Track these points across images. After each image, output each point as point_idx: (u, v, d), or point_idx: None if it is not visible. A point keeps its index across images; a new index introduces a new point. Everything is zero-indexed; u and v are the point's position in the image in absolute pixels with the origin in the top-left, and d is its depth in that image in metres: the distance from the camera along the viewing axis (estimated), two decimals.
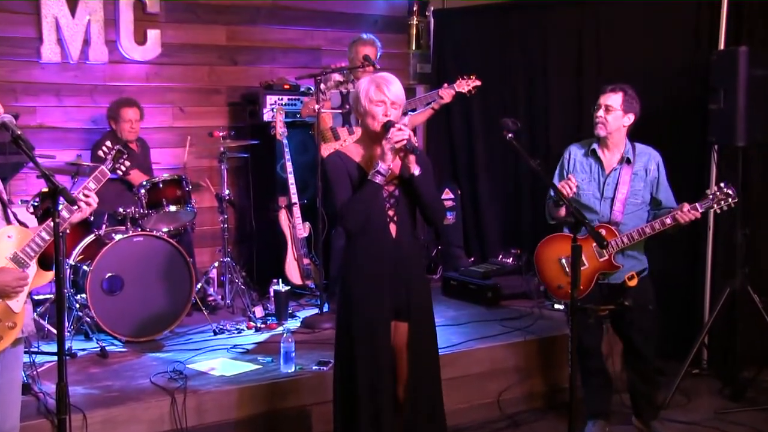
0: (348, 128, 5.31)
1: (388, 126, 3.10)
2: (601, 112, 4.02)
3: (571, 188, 3.91)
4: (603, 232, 3.93)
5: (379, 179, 3.09)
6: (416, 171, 3.14)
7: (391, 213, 3.19)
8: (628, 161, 4.06)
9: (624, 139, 4.09)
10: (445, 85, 5.35)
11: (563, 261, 4.07)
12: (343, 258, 3.31)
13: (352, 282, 3.22)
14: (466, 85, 5.33)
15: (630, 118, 4.04)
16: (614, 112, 4.00)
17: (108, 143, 3.41)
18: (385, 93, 3.12)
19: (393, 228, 3.19)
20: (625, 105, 4.01)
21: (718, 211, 3.99)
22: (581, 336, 4.08)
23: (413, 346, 3.22)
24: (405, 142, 3.04)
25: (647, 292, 4.12)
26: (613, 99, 4.01)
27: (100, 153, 3.28)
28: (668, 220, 3.92)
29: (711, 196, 3.93)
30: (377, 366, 3.17)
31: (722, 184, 3.94)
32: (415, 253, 3.28)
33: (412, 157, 3.10)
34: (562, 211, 4.04)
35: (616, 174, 4.06)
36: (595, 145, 4.11)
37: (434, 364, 3.33)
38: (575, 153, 4.17)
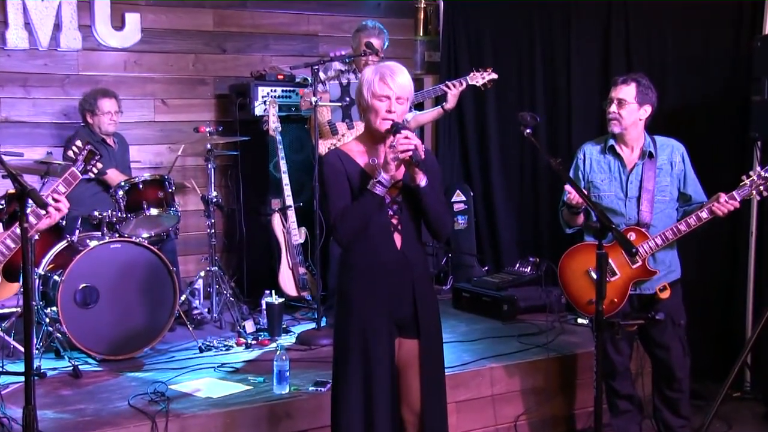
0: (347, 123, 5.30)
1: (393, 129, 3.09)
2: (613, 108, 3.99)
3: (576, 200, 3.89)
4: (632, 236, 3.92)
5: (380, 190, 3.07)
6: (422, 182, 3.11)
7: (394, 221, 3.18)
8: (651, 155, 4.05)
9: (642, 133, 4.08)
10: (451, 83, 5.28)
11: (592, 272, 4.01)
12: (340, 268, 3.29)
13: (351, 296, 3.20)
14: (481, 77, 5.31)
15: (647, 110, 4.02)
16: (628, 105, 3.98)
17: (78, 142, 3.40)
18: (389, 86, 3.09)
19: (397, 238, 3.18)
20: (640, 96, 3.99)
21: (758, 198, 3.96)
22: (608, 354, 4.07)
23: (426, 365, 3.22)
24: (410, 153, 3.02)
25: (679, 303, 4.10)
26: (626, 91, 3.98)
27: (70, 153, 3.28)
28: (704, 214, 3.89)
29: (749, 183, 3.87)
30: (380, 388, 3.16)
31: (759, 168, 3.90)
32: (421, 263, 3.28)
33: (417, 168, 3.08)
34: (580, 219, 4.03)
35: (638, 170, 4.05)
36: (611, 141, 4.09)
37: (443, 384, 3.33)
38: (590, 152, 4.16)
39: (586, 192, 4.05)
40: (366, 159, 3.19)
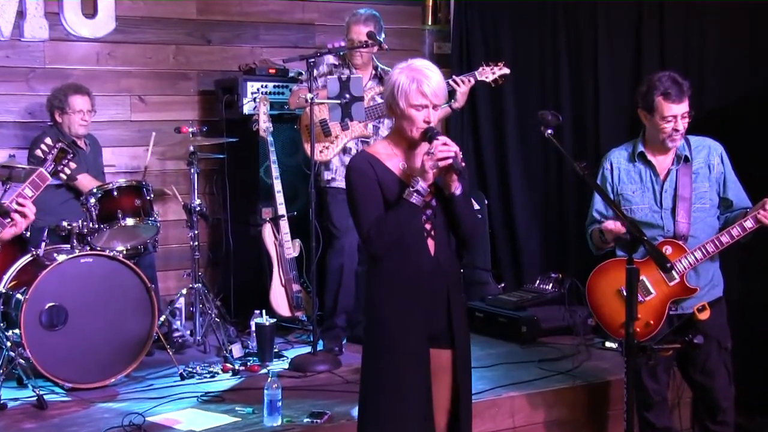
0: (342, 124, 5.31)
1: (429, 135, 3.21)
2: (679, 125, 3.98)
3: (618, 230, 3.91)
4: (668, 249, 3.92)
5: (417, 199, 3.19)
6: (457, 191, 3.27)
7: (428, 227, 3.30)
8: (686, 159, 4.05)
9: None
10: (460, 79, 5.29)
11: (625, 292, 4.01)
12: (370, 279, 3.37)
13: (384, 310, 3.28)
14: (491, 72, 5.31)
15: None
16: (687, 118, 4.00)
17: (48, 140, 3.41)
18: (427, 95, 3.20)
19: (431, 244, 3.30)
20: (690, 102, 4.01)
21: None
22: (643, 382, 4.06)
23: (461, 378, 3.34)
24: (450, 161, 3.16)
25: (724, 323, 4.09)
26: (685, 104, 3.99)
27: (38, 152, 3.29)
28: (749, 223, 3.89)
29: None
30: (420, 415, 3.24)
31: None
32: (454, 270, 3.40)
33: (454, 176, 3.22)
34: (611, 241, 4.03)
35: (673, 177, 4.05)
36: (641, 147, 4.09)
37: (470, 400, 3.45)
38: (618, 161, 4.16)
39: (617, 203, 4.06)
40: (397, 163, 3.30)
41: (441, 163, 3.16)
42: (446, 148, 3.16)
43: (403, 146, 3.31)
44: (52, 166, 3.24)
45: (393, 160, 3.30)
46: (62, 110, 5.43)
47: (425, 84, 3.19)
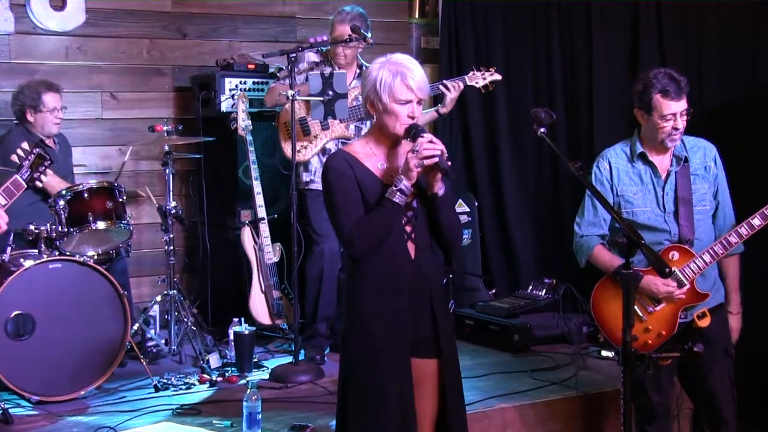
0: (321, 122, 5.31)
1: (413, 132, 3.22)
2: (679, 123, 3.98)
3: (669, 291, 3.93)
4: (675, 255, 3.94)
5: (400, 199, 3.20)
6: (440, 191, 3.28)
7: (408, 229, 3.30)
8: (686, 160, 4.08)
9: None
10: (451, 84, 5.29)
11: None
12: (350, 284, 3.36)
13: (365, 314, 3.27)
14: (482, 77, 5.33)
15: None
16: (686, 115, 4.01)
17: (25, 144, 3.36)
18: (413, 89, 3.22)
19: (411, 247, 3.30)
20: (689, 99, 4.02)
21: None
22: (646, 393, 4.06)
23: (451, 390, 3.34)
24: (437, 159, 3.17)
25: (727, 331, 4.11)
26: (684, 101, 3.99)
27: (14, 158, 3.24)
28: (757, 221, 3.91)
29: None
30: (403, 427, 3.23)
31: None
32: (436, 275, 3.40)
33: (439, 175, 3.23)
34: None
35: (673, 179, 4.07)
36: (639, 147, 4.10)
37: (464, 412, 3.45)
38: (616, 162, 4.15)
39: (617, 207, 4.07)
40: (376, 163, 3.30)
41: (426, 162, 3.17)
42: (432, 146, 3.17)
43: (383, 145, 3.32)
44: (28, 173, 3.20)
45: (372, 159, 3.29)
46: (35, 109, 5.38)
47: (410, 77, 3.21)
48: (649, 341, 3.95)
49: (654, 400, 4.12)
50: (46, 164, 3.21)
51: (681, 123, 3.98)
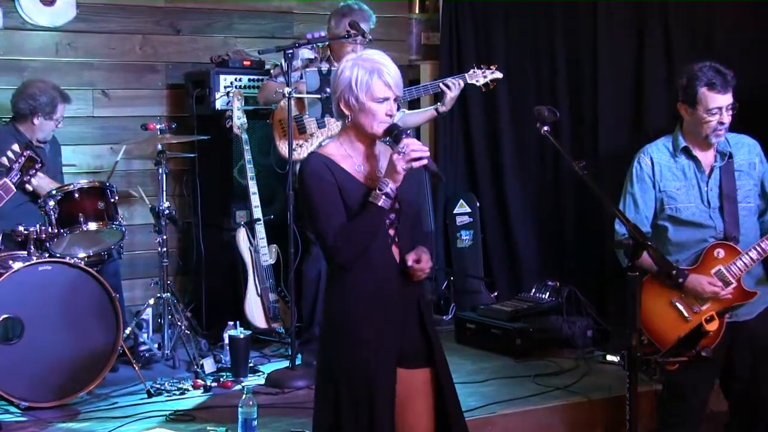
0: (318, 121, 5.30)
1: (394, 133, 3.19)
2: (724, 117, 3.99)
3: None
4: (720, 253, 3.96)
5: (385, 202, 3.15)
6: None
7: (392, 232, 3.25)
8: (730, 156, 4.09)
9: None
10: (452, 82, 5.29)
11: (677, 303, 4.02)
12: (333, 290, 3.31)
13: (351, 323, 3.23)
14: (482, 75, 5.34)
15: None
16: (732, 110, 4.01)
17: (16, 147, 3.34)
18: (390, 86, 3.18)
19: (395, 251, 3.26)
20: (734, 94, 4.02)
21: None
22: (679, 396, 4.06)
23: (450, 397, 3.31)
24: (426, 161, 3.14)
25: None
26: (730, 95, 3.99)
27: (4, 160, 3.22)
28: None
29: None
30: None
31: None
32: (421, 281, 3.34)
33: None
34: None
35: (717, 174, 4.08)
36: (682, 141, 4.11)
37: (465, 422, 3.41)
38: (658, 157, 4.15)
39: (659, 203, 4.10)
40: (352, 164, 3.24)
41: (415, 164, 3.13)
42: (418, 149, 3.13)
43: (358, 146, 3.26)
44: (18, 176, 3.18)
45: (348, 161, 3.23)
46: (48, 116, 5.36)
47: (386, 73, 3.17)
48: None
49: (689, 405, 4.10)
50: (36, 167, 3.19)
51: (726, 117, 3.98)
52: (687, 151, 4.09)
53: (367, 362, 3.19)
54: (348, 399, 3.21)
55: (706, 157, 4.09)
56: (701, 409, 4.17)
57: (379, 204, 3.13)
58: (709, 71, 3.95)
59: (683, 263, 3.96)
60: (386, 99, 3.18)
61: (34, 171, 3.16)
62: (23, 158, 3.14)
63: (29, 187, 3.26)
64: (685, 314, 4.00)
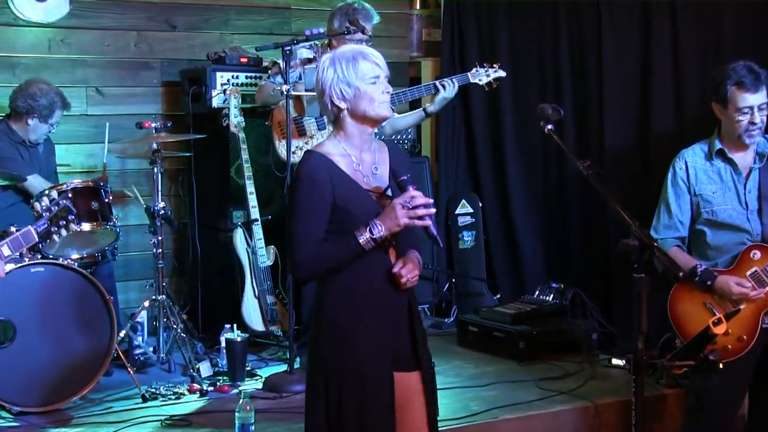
0: (318, 121, 5.29)
1: (399, 180, 3.17)
2: (756, 117, 3.98)
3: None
4: (757, 254, 3.98)
5: (368, 245, 3.13)
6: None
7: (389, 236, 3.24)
8: None
9: None
10: (448, 82, 5.28)
11: (710, 305, 4.04)
12: (326, 292, 3.28)
13: (345, 326, 3.22)
14: (485, 74, 5.33)
15: None
16: (766, 110, 4.01)
17: (54, 193, 3.21)
18: (378, 64, 3.20)
19: (392, 255, 3.26)
20: None
21: None
22: (710, 408, 4.05)
23: (433, 404, 3.33)
24: (429, 222, 3.14)
25: None
26: (762, 95, 3.99)
27: (37, 206, 3.08)
28: None
29: None
30: None
31: None
32: (413, 287, 3.34)
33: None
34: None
35: (755, 176, 4.10)
36: (718, 143, 4.11)
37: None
38: (693, 161, 4.17)
39: (696, 207, 4.13)
40: (350, 163, 3.22)
41: (417, 222, 3.12)
42: (425, 201, 3.12)
43: (357, 140, 3.24)
44: (46, 226, 3.05)
45: (346, 160, 3.21)
46: (44, 119, 5.38)
47: (369, 55, 3.20)
48: (729, 346, 3.93)
49: (721, 416, 4.07)
50: (69, 218, 3.05)
51: (759, 117, 3.98)
52: (722, 154, 4.11)
53: (360, 364, 3.18)
54: (343, 401, 3.20)
55: (744, 159, 4.11)
56: (734, 418, 4.15)
57: (361, 242, 3.11)
58: (741, 69, 3.96)
59: (721, 266, 3.99)
60: (377, 77, 3.19)
61: (65, 222, 3.02)
62: (56, 208, 3.01)
63: (55, 238, 3.11)
64: (719, 315, 4.01)
